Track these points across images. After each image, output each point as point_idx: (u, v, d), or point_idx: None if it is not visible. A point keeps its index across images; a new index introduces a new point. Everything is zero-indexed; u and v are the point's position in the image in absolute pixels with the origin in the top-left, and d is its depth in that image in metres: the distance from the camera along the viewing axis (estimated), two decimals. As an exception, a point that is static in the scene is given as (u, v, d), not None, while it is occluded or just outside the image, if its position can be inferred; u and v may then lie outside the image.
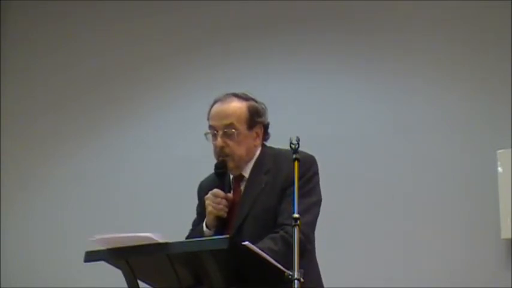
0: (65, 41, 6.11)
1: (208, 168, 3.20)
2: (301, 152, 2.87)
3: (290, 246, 2.67)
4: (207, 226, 3.07)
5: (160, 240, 2.70)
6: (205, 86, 5.21)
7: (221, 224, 3.04)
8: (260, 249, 2.69)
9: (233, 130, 3.08)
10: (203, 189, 3.21)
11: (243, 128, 3.10)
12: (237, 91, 3.19)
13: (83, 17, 6.07)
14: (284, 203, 2.99)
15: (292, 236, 2.65)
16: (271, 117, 3.21)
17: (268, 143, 3.21)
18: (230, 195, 3.09)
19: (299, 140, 2.83)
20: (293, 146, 2.84)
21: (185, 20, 5.73)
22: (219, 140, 3.08)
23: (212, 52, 5.58)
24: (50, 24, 6.19)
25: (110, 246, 2.80)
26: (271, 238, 2.91)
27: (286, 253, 2.74)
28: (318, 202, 3.07)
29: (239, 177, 3.14)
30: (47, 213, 5.92)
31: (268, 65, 5.40)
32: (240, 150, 3.09)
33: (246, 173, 3.13)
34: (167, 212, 5.19)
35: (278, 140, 3.13)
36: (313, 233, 3.04)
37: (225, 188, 3.10)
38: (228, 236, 2.76)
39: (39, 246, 5.88)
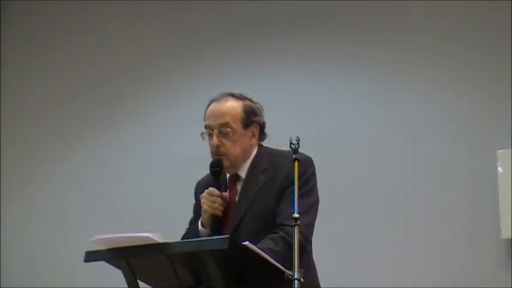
0: (65, 40, 6.11)
1: (208, 168, 3.20)
2: (299, 152, 2.85)
3: (290, 247, 2.66)
4: (202, 225, 3.07)
5: (160, 240, 2.71)
6: (205, 86, 5.18)
7: (217, 223, 3.04)
8: (260, 249, 2.69)
9: (228, 129, 3.08)
10: (200, 188, 3.21)
11: (238, 127, 3.10)
12: (235, 91, 3.19)
13: (83, 17, 6.07)
14: (283, 203, 2.99)
15: (292, 237, 2.64)
16: (270, 118, 3.21)
17: (267, 144, 3.21)
18: (226, 194, 3.09)
19: (299, 140, 2.83)
20: (293, 146, 2.83)
21: (185, 20, 5.73)
22: (215, 139, 3.09)
23: (212, 52, 5.58)
24: (49, 24, 6.19)
25: (109, 246, 2.80)
26: (271, 239, 2.90)
27: (286, 254, 2.73)
28: (316, 203, 3.07)
29: (235, 177, 3.14)
30: (47, 213, 5.92)
31: (268, 65, 5.40)
32: (235, 149, 3.09)
33: (243, 173, 3.12)
34: (167, 212, 5.18)
35: (277, 140, 3.13)
36: (312, 234, 3.03)
37: (221, 187, 3.10)
38: (228, 235, 2.75)
39: (39, 246, 5.88)
